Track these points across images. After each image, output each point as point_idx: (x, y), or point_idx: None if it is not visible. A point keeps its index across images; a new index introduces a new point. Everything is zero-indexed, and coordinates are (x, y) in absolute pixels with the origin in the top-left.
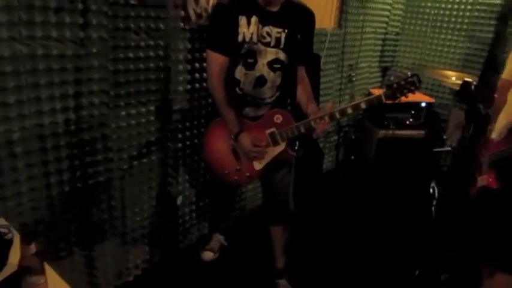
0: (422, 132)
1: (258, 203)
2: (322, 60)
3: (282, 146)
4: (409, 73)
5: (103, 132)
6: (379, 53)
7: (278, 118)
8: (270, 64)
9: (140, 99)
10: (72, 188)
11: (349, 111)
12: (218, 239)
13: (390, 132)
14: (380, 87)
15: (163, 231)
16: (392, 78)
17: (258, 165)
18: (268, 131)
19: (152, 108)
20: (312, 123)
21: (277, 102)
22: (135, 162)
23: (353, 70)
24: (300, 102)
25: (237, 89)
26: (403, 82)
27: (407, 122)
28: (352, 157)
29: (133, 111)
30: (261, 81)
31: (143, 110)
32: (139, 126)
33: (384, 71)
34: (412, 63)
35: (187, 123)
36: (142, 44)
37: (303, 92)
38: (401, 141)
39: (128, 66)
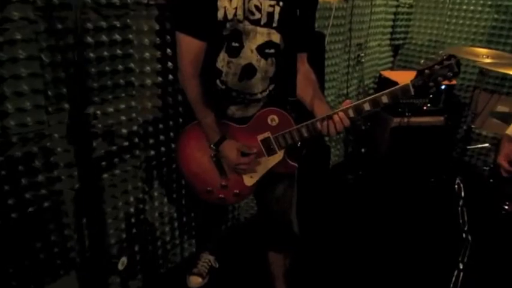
0: (442, 118)
1: (254, 210)
2: (327, 39)
3: (279, 156)
4: (444, 55)
5: (42, 145)
6: (390, 29)
7: (273, 119)
8: (261, 49)
9: (93, 98)
10: (5, 221)
11: (367, 108)
12: (207, 260)
13: (405, 120)
14: (391, 69)
15: (139, 256)
16: (422, 62)
17: (249, 180)
18: (260, 137)
19: (110, 109)
20: (318, 124)
21: (271, 99)
22: (105, 175)
23: (362, 50)
24: (303, 100)
25: (218, 82)
26: (437, 67)
27: (425, 108)
28: (363, 150)
29: None
30: (249, 71)
31: (98, 112)
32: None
33: (396, 50)
34: (428, 40)
35: (161, 125)
36: (90, 25)
37: (306, 86)
38: (418, 130)
39: (70, 56)
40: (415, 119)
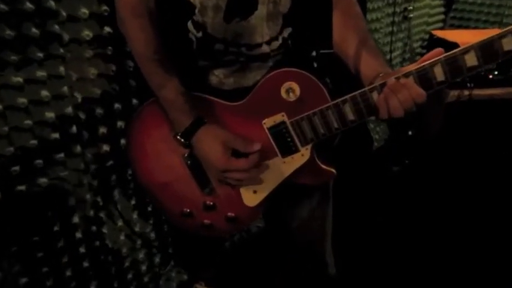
0: None
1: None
2: None
3: (303, 156)
4: None
5: None
6: None
7: (291, 90)
8: None
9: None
10: None
11: (462, 63)
12: None
13: (466, 92)
14: (442, 29)
15: None
16: None
17: (251, 198)
18: (268, 122)
19: (18, 79)
20: (374, 97)
21: (287, 55)
22: (20, 187)
23: (409, 2)
24: (343, 52)
25: (190, 26)
26: None
27: (491, 77)
28: (410, 132)
29: None
30: (244, 1)
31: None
32: (15, 118)
33: (449, 4)
34: None
35: (117, 105)
36: None
37: (347, 29)
38: (482, 106)
39: None
40: (479, 92)
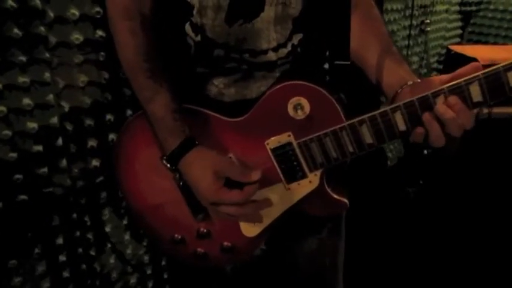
0: None
1: None
2: None
3: (311, 183)
4: None
5: None
6: None
7: (300, 106)
8: None
9: None
10: None
11: (505, 80)
12: None
13: (485, 110)
14: (459, 43)
15: None
16: None
17: (250, 228)
18: (272, 143)
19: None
20: (398, 115)
21: (297, 64)
22: None
23: (427, 15)
24: (362, 61)
25: (188, 29)
26: None
27: None
28: (426, 151)
29: None
30: (249, 1)
31: None
32: None
33: (466, 19)
34: None
35: (108, 116)
36: None
37: (367, 35)
38: (502, 124)
39: None
40: (499, 109)
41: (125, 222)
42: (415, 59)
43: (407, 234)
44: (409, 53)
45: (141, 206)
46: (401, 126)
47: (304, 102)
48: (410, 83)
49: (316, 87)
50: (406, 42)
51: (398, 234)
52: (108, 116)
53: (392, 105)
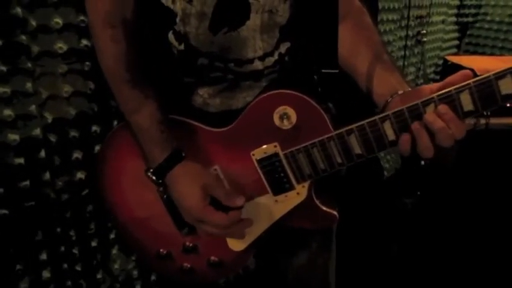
0: None
1: None
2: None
3: (298, 195)
4: None
5: None
6: (457, 1)
7: (286, 115)
8: None
9: None
10: None
11: (496, 89)
12: None
13: (483, 121)
14: (456, 54)
15: None
16: None
17: (237, 242)
18: (258, 153)
19: None
20: (387, 125)
21: (284, 73)
22: None
23: (423, 26)
24: (353, 69)
25: (171, 38)
26: None
27: (508, 105)
28: (423, 162)
29: None
30: (233, 7)
31: None
32: None
33: (463, 29)
34: (509, 16)
35: (94, 127)
36: None
37: (358, 43)
38: (500, 135)
39: None
40: (497, 120)
41: (112, 236)
42: (412, 69)
43: (404, 245)
44: (406, 63)
45: (125, 220)
46: (391, 136)
47: (291, 111)
48: (400, 92)
49: (302, 96)
50: (403, 53)
51: (396, 245)
52: (94, 128)
53: (381, 115)
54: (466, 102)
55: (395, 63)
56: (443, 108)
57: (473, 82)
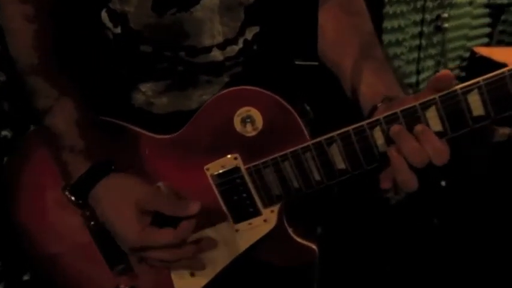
0: None
1: None
2: None
3: (268, 222)
4: None
5: None
6: None
7: (250, 118)
8: None
9: None
10: None
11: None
12: None
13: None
14: (487, 45)
15: None
16: None
17: (187, 284)
18: (212, 168)
19: None
20: (377, 132)
21: (251, 64)
22: None
23: (444, 8)
24: (336, 66)
25: (105, 17)
26: None
27: None
28: (443, 182)
29: None
30: None
31: None
32: None
33: (496, 14)
34: None
35: (4, 133)
36: None
37: (343, 31)
38: None
39: None
40: None
41: (25, 277)
42: (430, 63)
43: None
44: (422, 55)
45: (41, 257)
46: (382, 147)
47: (256, 114)
48: (385, 98)
49: (271, 94)
50: (417, 42)
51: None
52: (4, 132)
53: (371, 119)
54: (475, 105)
55: (389, 59)
56: (419, 127)
57: (484, 80)
